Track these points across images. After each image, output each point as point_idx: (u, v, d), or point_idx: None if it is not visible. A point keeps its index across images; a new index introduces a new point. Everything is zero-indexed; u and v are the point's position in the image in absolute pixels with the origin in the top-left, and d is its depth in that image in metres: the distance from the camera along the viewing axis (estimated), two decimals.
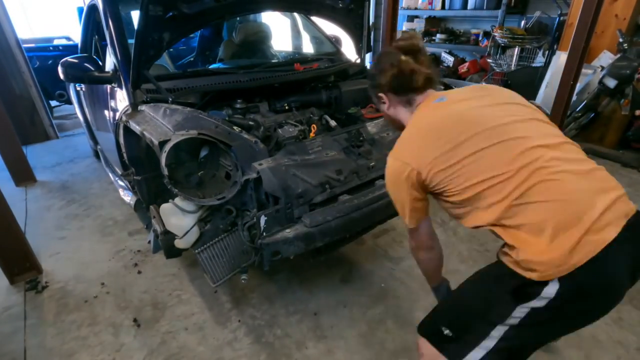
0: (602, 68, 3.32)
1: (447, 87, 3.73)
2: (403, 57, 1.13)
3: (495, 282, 0.98)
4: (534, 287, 0.86)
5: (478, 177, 0.94)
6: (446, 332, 1.01)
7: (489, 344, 0.94)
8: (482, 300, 0.98)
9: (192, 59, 3.49)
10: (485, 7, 4.67)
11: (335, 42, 2.74)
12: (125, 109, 1.82)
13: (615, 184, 0.93)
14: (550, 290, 0.85)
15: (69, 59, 1.98)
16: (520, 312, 0.89)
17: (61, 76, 1.99)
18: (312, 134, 1.82)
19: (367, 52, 2.49)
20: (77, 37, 3.80)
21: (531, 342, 0.98)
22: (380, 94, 1.21)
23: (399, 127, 1.25)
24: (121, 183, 2.62)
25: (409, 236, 1.20)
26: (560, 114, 2.29)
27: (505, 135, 0.95)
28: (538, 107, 1.19)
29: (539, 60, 4.19)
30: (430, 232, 1.17)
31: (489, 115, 1.01)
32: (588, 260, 0.82)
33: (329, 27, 2.56)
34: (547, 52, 4.04)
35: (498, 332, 0.93)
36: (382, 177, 1.65)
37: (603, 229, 0.83)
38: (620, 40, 3.27)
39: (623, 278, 0.87)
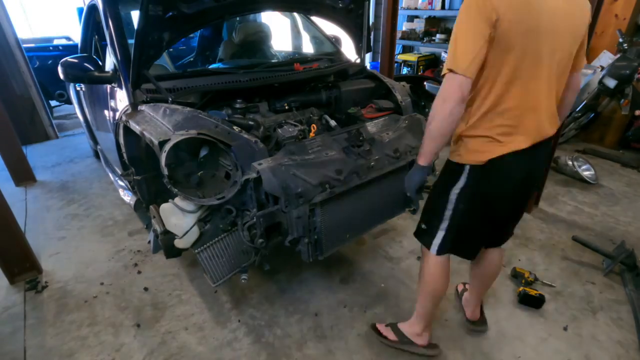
0: (602, 68, 3.32)
1: None
2: None
3: (442, 178, 1.33)
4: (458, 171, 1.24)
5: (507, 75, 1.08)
6: (423, 226, 1.43)
7: (444, 225, 1.33)
8: (437, 196, 1.35)
9: (192, 59, 3.49)
10: None
11: (335, 42, 2.74)
12: (125, 108, 1.82)
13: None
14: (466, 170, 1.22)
15: (69, 58, 1.97)
16: (454, 194, 1.27)
17: (61, 76, 1.99)
18: (312, 134, 1.82)
19: (367, 52, 2.49)
20: (77, 37, 3.81)
21: (469, 221, 1.31)
22: None
23: None
24: (121, 183, 2.62)
25: (453, 85, 1.06)
26: None
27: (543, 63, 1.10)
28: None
29: None
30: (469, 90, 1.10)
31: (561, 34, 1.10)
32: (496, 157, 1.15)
33: (329, 27, 2.56)
34: None
35: (448, 213, 1.31)
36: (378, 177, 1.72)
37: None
38: (620, 40, 3.27)
39: (516, 181, 1.22)
